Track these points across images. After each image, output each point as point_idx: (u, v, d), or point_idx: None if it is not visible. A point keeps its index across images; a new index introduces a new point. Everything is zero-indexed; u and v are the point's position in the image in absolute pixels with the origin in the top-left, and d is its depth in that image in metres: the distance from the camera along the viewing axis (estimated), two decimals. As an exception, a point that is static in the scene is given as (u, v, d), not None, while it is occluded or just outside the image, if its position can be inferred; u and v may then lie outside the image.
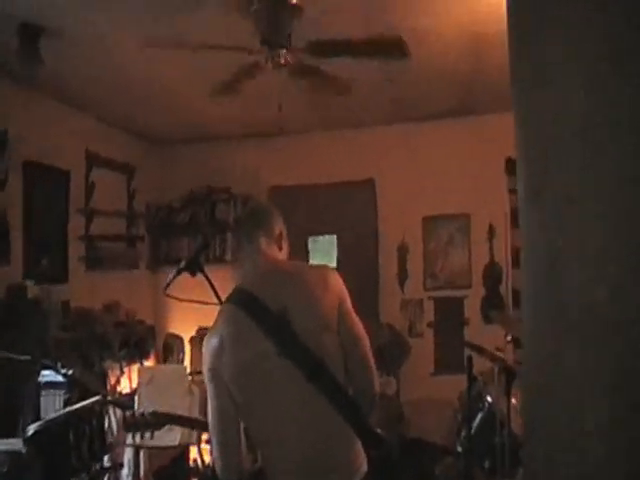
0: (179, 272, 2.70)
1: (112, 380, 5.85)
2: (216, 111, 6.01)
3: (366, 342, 2.28)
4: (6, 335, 4.31)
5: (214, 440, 2.16)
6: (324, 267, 2.35)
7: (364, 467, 2.18)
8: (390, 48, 4.01)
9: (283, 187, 6.96)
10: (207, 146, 7.12)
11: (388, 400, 5.44)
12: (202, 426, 2.98)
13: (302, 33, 3.89)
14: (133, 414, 2.94)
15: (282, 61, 3.92)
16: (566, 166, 1.36)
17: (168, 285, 2.72)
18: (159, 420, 2.94)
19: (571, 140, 1.36)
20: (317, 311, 2.16)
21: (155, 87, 5.36)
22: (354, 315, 2.28)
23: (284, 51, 3.88)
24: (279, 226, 2.40)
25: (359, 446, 2.17)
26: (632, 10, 1.28)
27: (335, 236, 6.93)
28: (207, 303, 2.77)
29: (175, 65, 4.79)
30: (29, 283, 5.04)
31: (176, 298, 2.84)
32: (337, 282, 2.26)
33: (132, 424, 2.91)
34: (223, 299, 2.57)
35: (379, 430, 2.26)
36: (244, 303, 2.15)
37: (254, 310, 2.12)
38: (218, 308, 2.38)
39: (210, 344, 2.16)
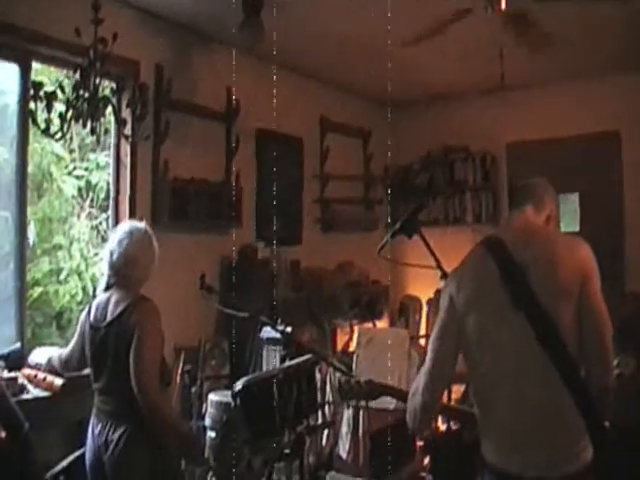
0: (394, 234, 2.71)
1: (342, 339, 6.06)
2: (444, 69, 5.89)
3: (609, 335, 2.08)
4: (236, 294, 4.64)
5: (425, 367, 2.20)
6: (576, 238, 2.23)
7: (587, 454, 2.02)
8: None
9: (520, 142, 6.65)
10: (441, 106, 6.99)
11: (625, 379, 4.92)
12: None
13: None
14: (348, 381, 2.99)
15: (502, 6, 3.68)
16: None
17: (383, 247, 2.77)
18: (374, 390, 2.96)
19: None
20: (557, 276, 2.07)
21: (382, 49, 5.28)
22: (600, 300, 2.10)
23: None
24: (551, 205, 2.35)
25: (582, 428, 1.99)
26: None
27: (577, 194, 6.38)
28: (422, 266, 2.71)
29: (400, 22, 4.48)
30: (260, 244, 5.38)
31: (389, 260, 2.84)
32: (585, 256, 2.13)
33: (347, 391, 2.97)
34: (449, 262, 2.50)
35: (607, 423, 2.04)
36: (492, 247, 2.21)
37: (499, 255, 2.16)
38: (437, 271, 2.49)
39: (455, 276, 2.26)
